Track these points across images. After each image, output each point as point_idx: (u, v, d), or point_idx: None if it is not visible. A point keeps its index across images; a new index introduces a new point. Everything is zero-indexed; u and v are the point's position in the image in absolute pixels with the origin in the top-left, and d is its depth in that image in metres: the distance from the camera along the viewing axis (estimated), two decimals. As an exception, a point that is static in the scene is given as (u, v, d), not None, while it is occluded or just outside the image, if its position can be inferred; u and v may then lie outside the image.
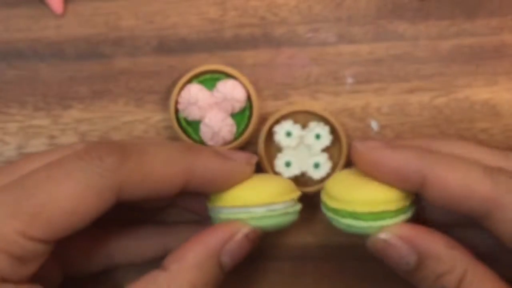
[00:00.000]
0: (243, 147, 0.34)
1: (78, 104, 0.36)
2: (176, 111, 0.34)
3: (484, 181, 0.27)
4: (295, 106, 0.34)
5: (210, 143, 0.33)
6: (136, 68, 0.36)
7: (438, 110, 0.35)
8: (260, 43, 0.36)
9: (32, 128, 0.35)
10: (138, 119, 0.35)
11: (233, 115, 0.34)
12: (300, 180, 0.33)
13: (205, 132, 0.33)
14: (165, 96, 0.35)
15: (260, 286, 0.35)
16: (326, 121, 0.33)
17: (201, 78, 0.34)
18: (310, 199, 0.33)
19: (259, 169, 0.33)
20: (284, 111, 0.33)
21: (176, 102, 0.33)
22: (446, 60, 0.35)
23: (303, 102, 0.35)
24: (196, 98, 0.33)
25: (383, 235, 0.29)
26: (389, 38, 0.35)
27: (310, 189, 0.33)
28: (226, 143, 0.33)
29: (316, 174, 0.33)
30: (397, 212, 0.29)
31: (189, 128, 0.34)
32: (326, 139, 0.33)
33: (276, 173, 0.33)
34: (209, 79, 0.34)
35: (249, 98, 0.34)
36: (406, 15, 0.35)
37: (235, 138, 0.34)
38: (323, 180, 0.33)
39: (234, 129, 0.34)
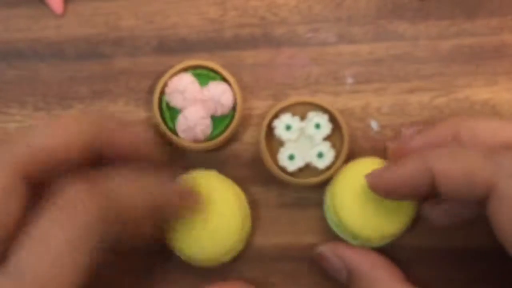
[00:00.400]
0: (210, 151, 0.34)
1: (78, 104, 0.35)
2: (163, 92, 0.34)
3: (484, 166, 0.26)
4: (291, 99, 0.34)
5: (181, 135, 0.33)
6: (136, 68, 0.36)
7: (438, 110, 0.35)
8: (260, 43, 0.36)
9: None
10: (138, 119, 0.35)
11: (214, 117, 0.34)
12: (305, 171, 0.33)
13: (181, 123, 0.33)
14: (165, 96, 0.35)
15: (261, 287, 0.35)
16: (324, 110, 0.33)
17: (198, 71, 0.34)
18: (314, 195, 0.33)
19: (262, 168, 0.34)
20: (281, 104, 0.33)
21: (165, 84, 0.34)
22: (446, 60, 0.35)
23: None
24: (185, 88, 0.33)
25: (320, 248, 0.32)
26: (389, 38, 0.35)
27: (316, 179, 0.33)
28: (196, 141, 0.33)
29: (321, 164, 0.33)
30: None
31: (168, 112, 0.34)
32: (326, 127, 0.33)
33: (281, 168, 0.33)
34: (205, 76, 0.34)
35: (234, 108, 0.34)
36: (406, 15, 0.35)
37: (206, 140, 0.34)
38: (328, 169, 0.33)
39: (208, 131, 0.33)
